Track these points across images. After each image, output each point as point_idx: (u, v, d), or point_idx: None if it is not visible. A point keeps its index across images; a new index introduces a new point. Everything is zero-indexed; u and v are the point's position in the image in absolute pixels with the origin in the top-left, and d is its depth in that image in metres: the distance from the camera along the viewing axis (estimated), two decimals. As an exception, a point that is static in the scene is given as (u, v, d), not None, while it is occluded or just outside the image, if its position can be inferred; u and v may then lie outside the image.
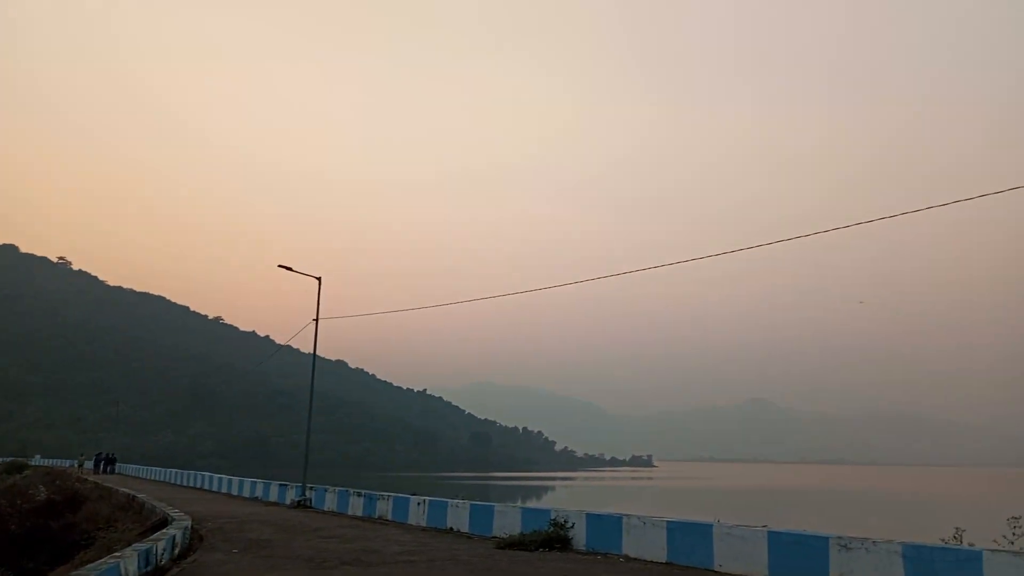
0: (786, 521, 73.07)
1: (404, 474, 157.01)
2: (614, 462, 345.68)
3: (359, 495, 27.70)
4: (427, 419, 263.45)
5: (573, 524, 17.98)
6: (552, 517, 18.46)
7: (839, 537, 13.11)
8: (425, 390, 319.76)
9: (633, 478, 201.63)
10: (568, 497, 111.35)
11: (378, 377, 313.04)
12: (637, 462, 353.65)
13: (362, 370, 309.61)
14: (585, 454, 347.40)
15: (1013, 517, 13.44)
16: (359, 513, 27.18)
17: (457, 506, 22.22)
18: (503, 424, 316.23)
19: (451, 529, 21.98)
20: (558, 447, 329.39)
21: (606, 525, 17.29)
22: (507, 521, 19.95)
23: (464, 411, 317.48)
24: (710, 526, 15.13)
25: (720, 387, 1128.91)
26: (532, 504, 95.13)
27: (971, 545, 12.50)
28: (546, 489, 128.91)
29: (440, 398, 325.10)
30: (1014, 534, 13.01)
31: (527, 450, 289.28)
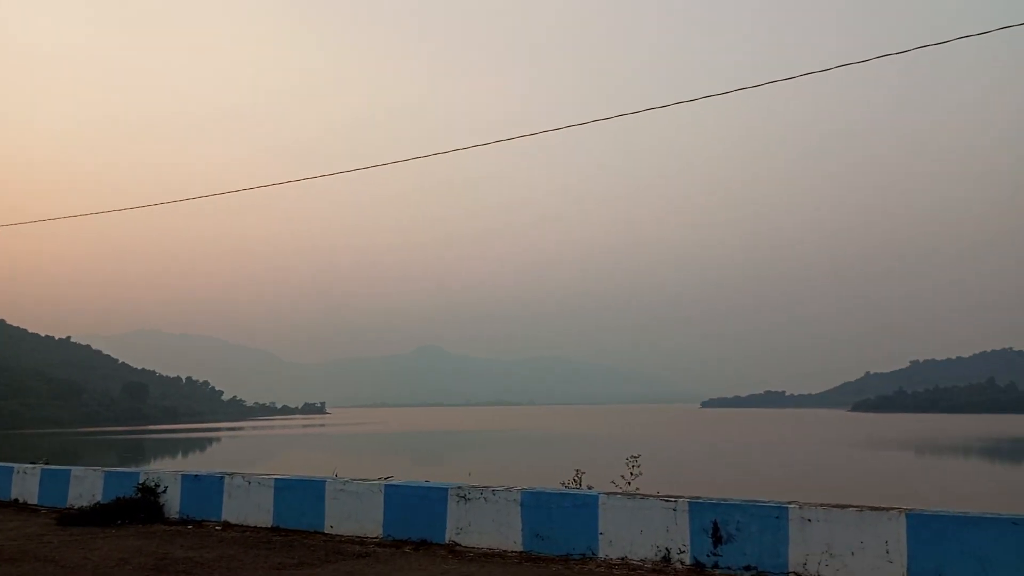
0: (439, 462, 75.64)
1: (38, 431, 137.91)
2: (286, 410, 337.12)
3: None
4: (71, 369, 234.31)
5: (166, 488, 14.81)
6: (141, 481, 15.10)
7: (458, 487, 11.71)
8: (70, 337, 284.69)
9: (304, 426, 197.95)
10: (232, 448, 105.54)
11: (9, 323, 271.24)
12: (310, 409, 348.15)
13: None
14: (255, 403, 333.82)
15: (632, 456, 13.05)
16: None
17: (26, 472, 17.73)
18: (163, 374, 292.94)
19: (16, 500, 17.49)
20: (226, 397, 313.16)
21: (205, 487, 14.40)
22: (86, 488, 16.13)
23: (118, 361, 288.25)
24: (323, 483, 13.00)
25: (395, 335, 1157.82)
26: (195, 458, 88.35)
27: (590, 488, 11.80)
28: (209, 441, 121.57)
29: (88, 346, 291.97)
30: (632, 474, 12.59)
31: (191, 401, 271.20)
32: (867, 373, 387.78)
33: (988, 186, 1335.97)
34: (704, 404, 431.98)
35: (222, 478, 14.19)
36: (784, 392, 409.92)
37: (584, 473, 12.85)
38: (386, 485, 12.36)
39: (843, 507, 9.19)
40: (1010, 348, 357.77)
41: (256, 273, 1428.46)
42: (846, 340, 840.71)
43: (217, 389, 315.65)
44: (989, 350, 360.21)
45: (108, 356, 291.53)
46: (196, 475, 14.68)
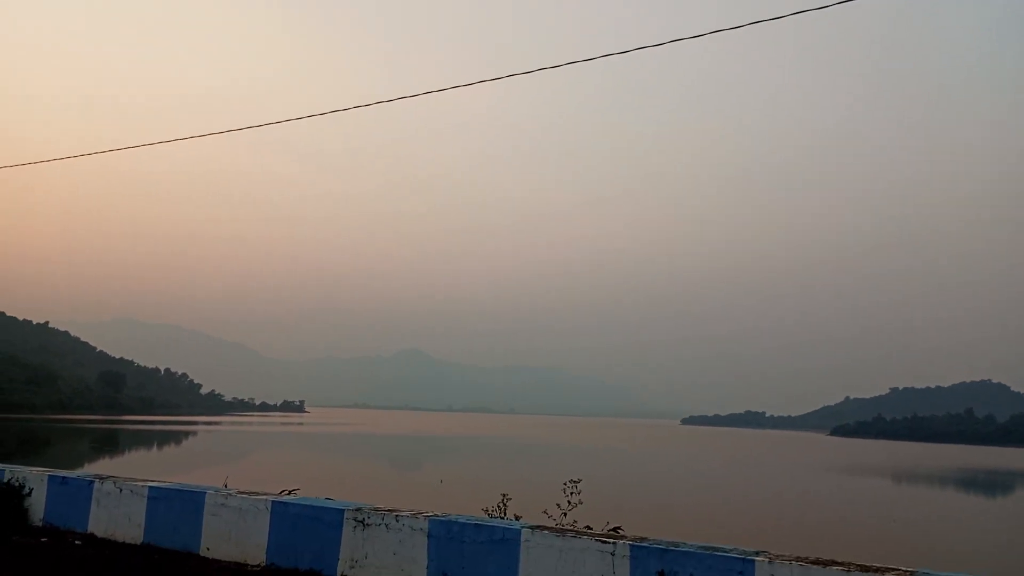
0: (415, 467, 73.31)
1: (9, 416, 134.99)
2: (264, 407, 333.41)
3: None
4: (46, 355, 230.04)
5: (31, 490, 12.61)
6: (5, 480, 12.91)
7: (357, 509, 9.56)
8: (48, 323, 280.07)
9: (282, 423, 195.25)
10: (207, 443, 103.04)
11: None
12: (288, 407, 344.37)
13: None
14: (234, 398, 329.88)
15: (571, 481, 10.80)
16: None
17: None
18: (142, 364, 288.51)
19: None
20: (204, 390, 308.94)
21: (73, 492, 12.20)
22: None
23: (95, 348, 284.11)
24: (202, 494, 10.82)
25: (379, 337, 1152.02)
26: (169, 451, 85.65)
27: (517, 518, 9.67)
28: (185, 434, 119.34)
29: (67, 332, 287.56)
30: (569, 503, 10.40)
31: (168, 393, 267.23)
32: (847, 398, 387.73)
33: (980, 222, 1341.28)
34: (684, 421, 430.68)
35: (92, 482, 12.00)
36: (764, 413, 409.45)
37: (511, 499, 10.65)
38: (274, 502, 10.20)
39: (825, 564, 7.08)
40: (989, 380, 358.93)
41: (241, 265, 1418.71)
42: (828, 364, 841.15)
43: (196, 382, 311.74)
44: (969, 381, 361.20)
45: (86, 343, 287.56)
46: (64, 477, 12.47)
